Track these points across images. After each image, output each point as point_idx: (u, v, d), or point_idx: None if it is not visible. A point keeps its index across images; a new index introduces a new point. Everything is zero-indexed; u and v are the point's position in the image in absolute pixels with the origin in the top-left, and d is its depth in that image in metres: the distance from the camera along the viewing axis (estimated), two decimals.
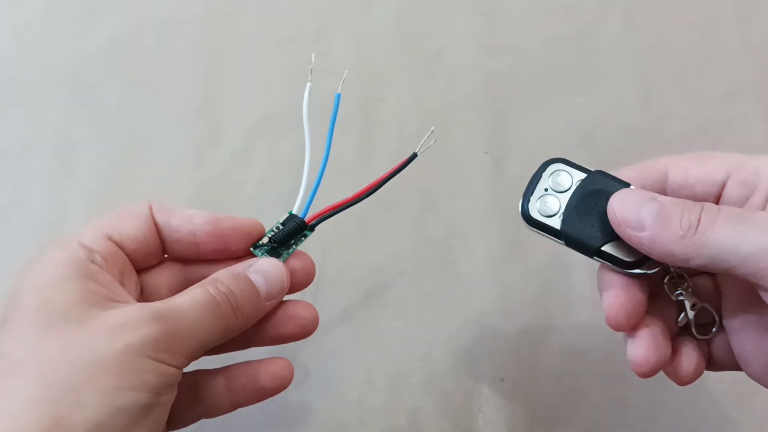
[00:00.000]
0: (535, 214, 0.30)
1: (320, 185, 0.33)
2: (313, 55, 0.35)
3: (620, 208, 0.28)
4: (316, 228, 0.33)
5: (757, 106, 0.48)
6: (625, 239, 0.28)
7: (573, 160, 0.31)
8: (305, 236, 0.33)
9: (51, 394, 0.24)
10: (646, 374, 0.29)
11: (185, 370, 0.30)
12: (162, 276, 0.32)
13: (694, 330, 0.30)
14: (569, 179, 0.30)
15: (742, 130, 0.47)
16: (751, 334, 0.29)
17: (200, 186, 0.47)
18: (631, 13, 0.52)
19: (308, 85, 0.34)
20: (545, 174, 0.31)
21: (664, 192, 0.30)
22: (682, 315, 0.30)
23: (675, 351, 0.30)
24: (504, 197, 0.46)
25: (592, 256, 0.29)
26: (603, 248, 0.29)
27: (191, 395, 0.32)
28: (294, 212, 0.32)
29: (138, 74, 0.51)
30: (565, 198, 0.30)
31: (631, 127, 0.48)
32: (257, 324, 0.31)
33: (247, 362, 0.32)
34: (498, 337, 0.41)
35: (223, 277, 0.30)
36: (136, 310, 0.27)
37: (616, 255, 0.29)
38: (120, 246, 0.30)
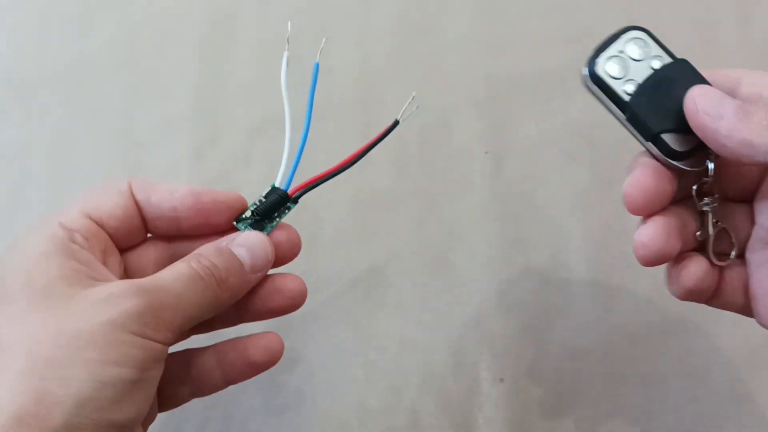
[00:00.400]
0: (602, 72, 0.29)
1: (302, 158, 0.33)
2: (289, 23, 0.35)
3: (701, 96, 0.27)
4: (300, 200, 0.33)
5: None
6: (699, 130, 0.27)
7: (657, 36, 0.30)
8: (289, 209, 0.33)
9: (34, 370, 0.24)
10: (648, 258, 0.29)
11: (177, 347, 0.31)
12: (146, 255, 0.32)
13: (710, 249, 0.30)
14: (648, 51, 0.29)
15: None
16: None
17: (200, 186, 0.47)
18: (631, 13, 0.52)
19: (285, 54, 0.34)
20: (624, 37, 0.29)
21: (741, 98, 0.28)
22: (703, 229, 0.29)
23: (685, 257, 0.30)
24: (504, 197, 0.46)
25: (647, 140, 0.29)
26: (662, 135, 0.28)
27: (183, 373, 0.31)
28: (276, 185, 0.32)
29: (137, 74, 0.51)
30: (638, 69, 0.29)
31: None
32: (246, 298, 0.31)
33: (237, 338, 0.32)
34: (498, 337, 0.41)
35: (206, 251, 0.29)
36: (118, 285, 0.27)
37: (668, 143, 0.28)
38: (100, 224, 0.30)
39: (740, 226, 0.31)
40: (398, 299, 0.43)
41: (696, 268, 0.29)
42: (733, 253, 0.30)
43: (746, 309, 0.30)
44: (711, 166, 0.28)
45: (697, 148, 0.28)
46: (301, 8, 0.53)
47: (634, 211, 0.29)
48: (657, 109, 0.28)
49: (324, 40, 0.35)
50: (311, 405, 0.40)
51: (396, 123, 0.34)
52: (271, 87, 0.51)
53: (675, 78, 0.28)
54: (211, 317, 0.30)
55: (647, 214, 0.29)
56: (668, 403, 0.39)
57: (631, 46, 0.29)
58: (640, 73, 0.29)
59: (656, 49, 0.29)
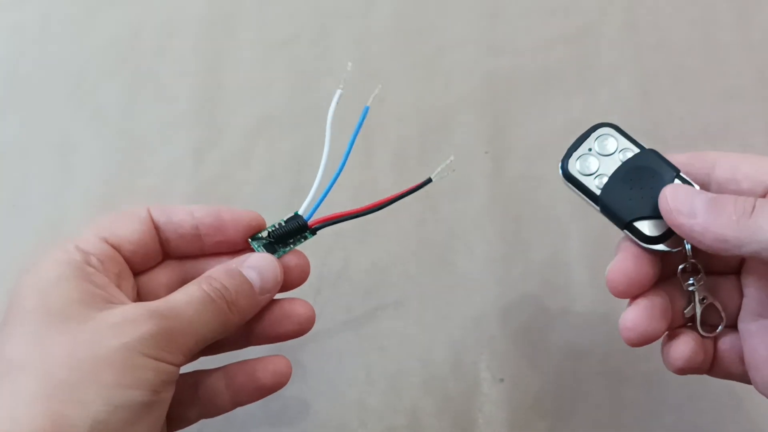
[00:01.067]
0: (574, 171, 0.31)
1: (329, 191, 0.33)
2: (349, 63, 0.36)
3: (673, 196, 0.28)
4: (318, 233, 0.33)
5: (757, 106, 0.48)
6: (675, 228, 0.28)
7: (624, 130, 0.31)
8: (305, 238, 0.33)
9: (51, 392, 0.25)
10: (633, 340, 0.30)
11: (186, 369, 0.31)
12: (159, 277, 0.32)
13: (698, 323, 0.31)
14: (615, 145, 0.31)
15: (742, 130, 0.47)
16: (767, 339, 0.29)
17: (200, 186, 0.47)
18: (631, 13, 0.52)
19: (338, 92, 0.35)
20: (593, 135, 0.31)
21: (708, 184, 0.30)
22: (690, 306, 0.31)
23: (674, 336, 0.31)
24: (504, 197, 0.46)
25: (622, 228, 0.30)
26: (634, 223, 0.30)
27: (192, 394, 0.32)
28: (300, 213, 0.33)
29: (138, 74, 0.51)
30: (607, 163, 0.31)
31: (631, 127, 0.47)
32: (254, 322, 0.32)
33: (246, 361, 0.32)
34: (498, 337, 0.41)
35: (216, 273, 0.30)
36: (133, 308, 0.27)
37: (641, 230, 0.30)
38: (117, 248, 0.30)
39: (729, 298, 0.31)
40: (398, 299, 0.43)
41: (684, 347, 0.30)
42: (720, 327, 0.31)
43: (746, 377, 0.31)
44: (688, 246, 0.29)
45: (672, 230, 0.29)
46: (301, 8, 0.53)
47: (618, 295, 0.30)
48: (627, 199, 0.30)
49: (379, 87, 0.36)
50: (311, 405, 0.40)
51: (429, 180, 0.35)
52: (271, 87, 0.51)
53: (643, 167, 0.30)
54: (220, 339, 0.30)
55: (631, 297, 0.30)
56: (668, 403, 0.39)
57: (600, 142, 0.31)
58: (610, 167, 0.30)
59: (624, 142, 0.31)
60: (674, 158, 0.31)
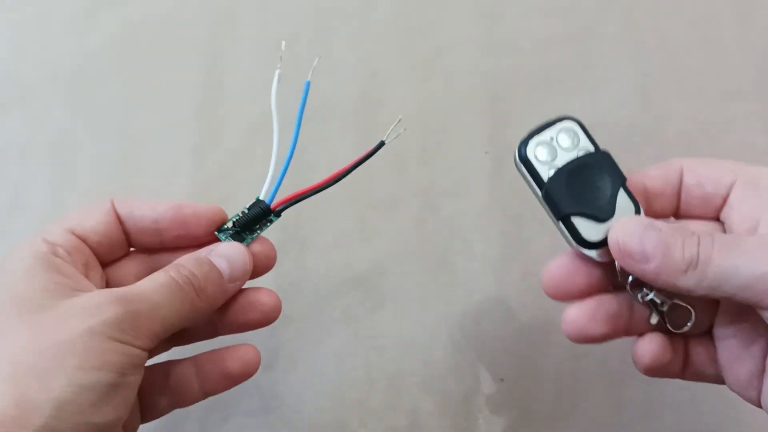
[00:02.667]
0: (531, 155, 0.31)
1: (288, 172, 0.33)
2: (283, 42, 0.36)
3: (624, 240, 0.28)
4: (283, 214, 0.34)
5: (757, 106, 0.48)
6: (629, 270, 0.28)
7: (587, 128, 0.32)
8: (270, 222, 0.33)
9: (16, 376, 0.25)
10: (569, 335, 0.30)
11: (156, 360, 0.32)
12: (127, 268, 0.33)
13: (668, 324, 0.31)
14: (576, 141, 0.31)
15: (742, 130, 0.47)
16: (742, 339, 0.30)
17: (200, 186, 0.47)
18: (631, 13, 0.52)
19: (277, 71, 0.35)
20: (557, 126, 0.31)
21: (679, 188, 0.31)
22: (652, 314, 0.31)
23: (642, 336, 0.31)
24: (504, 197, 0.46)
25: (557, 219, 0.30)
26: (571, 218, 0.30)
27: (162, 383, 0.32)
28: (261, 198, 0.33)
29: (138, 74, 0.51)
30: (563, 156, 0.31)
31: (631, 127, 0.48)
32: (221, 312, 0.32)
33: (215, 350, 0.33)
34: (498, 337, 0.41)
35: (185, 261, 0.30)
36: (98, 294, 0.28)
37: (577, 228, 0.30)
38: (83, 239, 0.31)
39: (705, 302, 0.31)
40: (398, 299, 0.43)
41: (650, 345, 0.30)
42: (690, 323, 0.31)
43: (719, 378, 0.31)
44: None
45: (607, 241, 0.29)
46: (301, 8, 0.53)
47: (550, 297, 0.31)
48: (571, 194, 0.30)
49: (317, 59, 0.35)
50: (311, 405, 0.40)
51: (382, 144, 0.35)
52: (271, 87, 0.51)
53: (594, 168, 0.30)
54: (188, 327, 0.31)
55: (566, 299, 0.30)
56: (668, 403, 0.39)
57: (562, 135, 0.31)
58: (565, 160, 0.30)
59: (585, 141, 0.31)
60: (647, 172, 0.31)
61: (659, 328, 0.31)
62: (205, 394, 0.33)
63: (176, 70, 0.51)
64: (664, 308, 0.30)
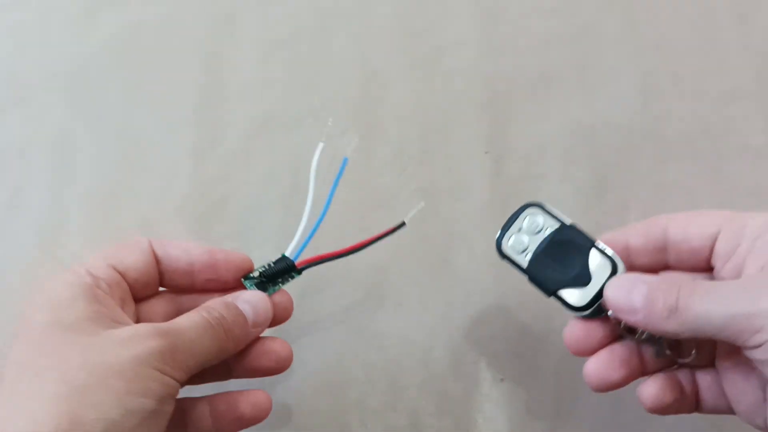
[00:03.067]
0: (506, 249, 0.34)
1: (314, 234, 0.36)
2: (330, 119, 0.39)
3: (614, 297, 0.31)
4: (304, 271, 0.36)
5: (757, 106, 0.48)
6: (624, 321, 0.31)
7: (550, 208, 0.35)
8: (292, 277, 0.36)
9: (68, 394, 0.27)
10: (593, 386, 0.33)
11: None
12: (156, 306, 0.35)
13: (672, 356, 0.33)
14: (542, 223, 0.34)
15: (742, 130, 0.47)
16: (741, 373, 0.31)
17: (200, 186, 0.47)
18: (631, 13, 0.52)
19: (321, 144, 0.37)
20: (522, 215, 0.35)
21: (665, 245, 0.33)
22: (656, 349, 0.33)
23: (646, 378, 0.33)
24: (504, 197, 0.46)
25: (548, 296, 0.33)
26: (558, 292, 0.33)
27: (178, 419, 0.33)
28: (287, 255, 0.36)
29: (138, 74, 0.51)
30: (535, 239, 0.34)
31: (631, 127, 0.48)
32: (238, 356, 0.34)
33: (229, 392, 0.35)
34: (498, 337, 0.41)
35: (215, 304, 0.33)
36: (142, 327, 0.30)
37: (567, 300, 0.33)
38: (122, 275, 0.33)
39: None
40: (398, 299, 0.43)
41: (650, 388, 0.32)
42: (692, 356, 0.33)
43: (732, 410, 0.33)
44: (610, 312, 0.32)
45: (596, 299, 0.32)
46: (301, 8, 0.53)
47: (576, 355, 0.33)
48: (551, 271, 0.33)
49: (357, 139, 0.39)
50: (311, 405, 0.40)
51: (402, 224, 0.38)
52: (271, 87, 0.51)
53: (563, 241, 0.33)
54: (207, 367, 0.32)
55: (589, 354, 0.33)
56: None
57: (528, 221, 0.34)
58: (537, 243, 0.34)
59: (549, 220, 0.34)
60: (629, 230, 0.34)
61: (668, 363, 0.33)
62: None
63: (176, 70, 0.51)
64: (662, 344, 0.33)
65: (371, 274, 0.44)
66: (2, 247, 0.45)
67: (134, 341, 0.29)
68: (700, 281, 0.31)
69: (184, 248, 0.35)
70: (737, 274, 0.31)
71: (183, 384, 0.30)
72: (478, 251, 0.44)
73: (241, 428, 0.35)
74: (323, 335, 0.42)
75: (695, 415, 0.38)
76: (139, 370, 0.28)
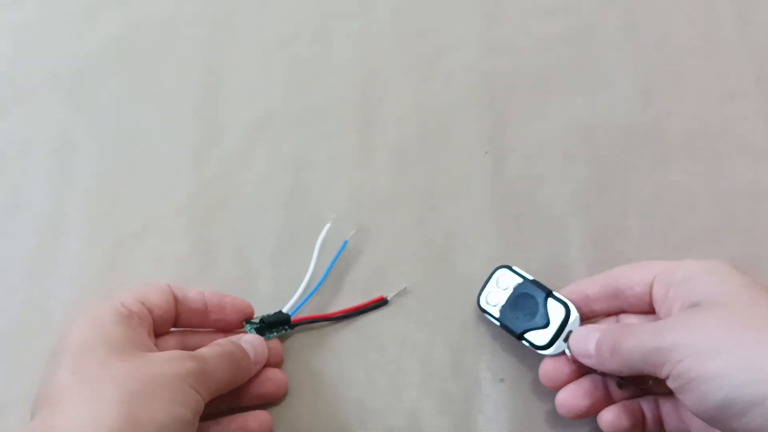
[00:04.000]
0: (484, 304, 0.41)
1: (310, 298, 0.42)
2: (333, 214, 0.44)
3: (574, 346, 0.37)
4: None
5: (757, 106, 0.48)
6: (582, 363, 0.37)
7: (516, 269, 0.41)
8: (286, 329, 0.41)
9: (125, 398, 0.31)
10: (563, 413, 0.38)
11: None
12: (167, 343, 0.39)
13: (632, 386, 0.38)
14: (511, 281, 0.41)
15: (742, 130, 0.47)
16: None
17: (200, 186, 0.47)
18: (631, 13, 0.52)
19: (327, 225, 0.43)
20: (495, 275, 0.41)
21: (616, 293, 0.38)
22: (617, 381, 0.38)
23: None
24: (504, 197, 0.46)
25: (518, 339, 0.39)
26: (524, 335, 0.39)
27: None
28: (284, 311, 0.41)
29: (138, 74, 0.51)
30: (504, 294, 0.41)
31: (631, 127, 0.48)
32: (245, 384, 0.39)
33: (236, 414, 0.39)
34: (498, 337, 0.41)
35: (224, 341, 0.38)
36: (177, 352, 0.35)
37: (532, 341, 0.39)
38: (150, 311, 0.37)
39: None
40: (398, 299, 0.43)
41: (606, 415, 0.37)
42: (650, 382, 0.38)
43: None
44: (567, 351, 0.38)
45: (555, 338, 0.38)
46: (301, 8, 0.53)
47: (549, 388, 0.39)
48: (516, 318, 0.40)
49: (353, 232, 0.44)
50: (311, 405, 0.40)
51: (385, 301, 0.43)
52: (271, 86, 0.51)
53: (524, 294, 0.40)
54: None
55: (560, 387, 0.38)
56: None
57: (499, 280, 0.41)
58: (506, 297, 0.41)
59: (516, 278, 0.41)
60: (591, 279, 0.39)
61: (635, 392, 0.38)
62: None
63: (176, 70, 0.51)
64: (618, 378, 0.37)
65: (371, 274, 0.44)
66: (2, 247, 0.45)
67: (174, 361, 0.34)
68: (634, 324, 0.36)
69: (199, 292, 0.40)
70: (669, 316, 0.35)
71: (207, 401, 0.35)
72: (478, 251, 0.44)
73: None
74: (323, 335, 0.42)
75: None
76: (179, 385, 0.33)
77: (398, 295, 0.43)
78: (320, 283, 0.42)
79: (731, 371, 0.30)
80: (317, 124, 0.49)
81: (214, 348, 0.37)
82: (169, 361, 0.34)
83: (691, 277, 0.35)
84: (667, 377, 0.32)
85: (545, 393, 0.40)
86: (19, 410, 0.40)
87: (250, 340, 0.39)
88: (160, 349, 0.37)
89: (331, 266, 0.43)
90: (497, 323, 0.40)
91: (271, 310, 0.41)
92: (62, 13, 0.54)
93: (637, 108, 0.48)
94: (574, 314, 0.39)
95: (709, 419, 0.31)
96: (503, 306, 0.40)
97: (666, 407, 0.37)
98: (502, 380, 0.40)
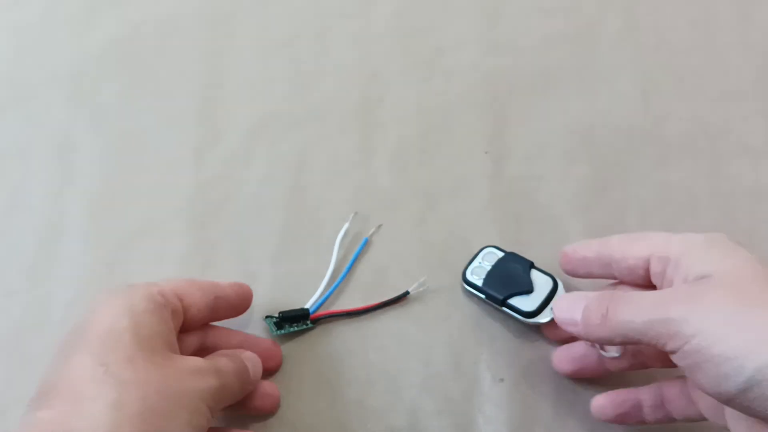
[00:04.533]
0: (470, 277, 0.42)
1: (330, 295, 0.43)
2: (353, 214, 0.45)
3: (559, 314, 0.36)
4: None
5: (757, 106, 0.48)
6: (569, 332, 0.36)
7: (502, 248, 0.42)
8: (306, 326, 0.41)
9: (148, 415, 0.29)
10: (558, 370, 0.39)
11: None
12: (188, 340, 0.37)
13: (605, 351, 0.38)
14: (495, 257, 0.42)
15: (742, 130, 0.47)
16: None
17: (200, 186, 0.47)
18: (631, 13, 0.52)
19: (346, 225, 0.44)
20: (482, 253, 0.42)
21: (612, 261, 0.37)
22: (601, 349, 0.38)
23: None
24: (504, 197, 0.46)
25: (501, 306, 0.40)
26: (507, 300, 0.40)
27: None
28: (306, 307, 0.41)
29: (138, 74, 0.51)
30: (488, 266, 0.42)
31: (631, 127, 0.48)
32: (244, 398, 0.38)
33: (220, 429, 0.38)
34: (498, 337, 0.41)
35: (233, 355, 0.36)
36: (203, 362, 0.33)
37: (517, 306, 0.40)
38: (186, 309, 0.35)
39: None
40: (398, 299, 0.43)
41: (599, 399, 0.37)
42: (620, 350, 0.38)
43: (695, 416, 0.36)
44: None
45: (542, 306, 0.39)
46: (301, 8, 0.53)
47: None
48: (501, 285, 0.41)
49: (380, 225, 0.45)
50: (311, 405, 0.40)
51: (407, 293, 0.42)
52: (271, 86, 0.51)
53: (508, 263, 0.41)
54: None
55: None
56: None
57: (485, 257, 0.42)
58: (489, 268, 0.42)
59: (500, 254, 0.42)
60: (590, 242, 0.38)
61: (634, 364, 0.38)
62: None
63: (176, 70, 0.51)
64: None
65: (371, 274, 0.44)
66: (2, 247, 0.45)
67: (200, 376, 0.32)
68: (632, 292, 0.34)
69: (231, 285, 0.38)
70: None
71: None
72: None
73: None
74: (323, 335, 0.42)
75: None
76: (198, 405, 0.31)
77: (398, 292, 0.43)
78: (341, 279, 0.43)
79: (756, 350, 0.28)
80: (317, 124, 0.49)
81: (228, 362, 0.35)
82: (195, 375, 0.32)
83: (693, 249, 0.33)
84: (674, 352, 0.30)
85: (545, 393, 0.40)
86: (19, 410, 0.40)
87: (250, 357, 0.37)
88: (181, 345, 0.36)
89: (351, 263, 0.43)
90: (481, 295, 0.41)
91: (271, 310, 0.41)
92: (62, 13, 0.54)
93: (637, 108, 0.48)
94: (561, 287, 0.40)
95: (729, 401, 0.29)
96: (486, 275, 0.41)
97: (671, 391, 0.36)
98: (502, 380, 0.40)
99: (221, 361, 0.35)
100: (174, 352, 0.33)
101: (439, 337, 0.42)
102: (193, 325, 0.37)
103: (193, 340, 0.37)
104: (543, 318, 0.39)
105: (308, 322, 0.41)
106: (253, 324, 0.42)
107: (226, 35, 0.52)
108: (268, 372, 0.40)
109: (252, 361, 0.37)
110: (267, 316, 0.41)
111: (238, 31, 0.52)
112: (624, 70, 0.50)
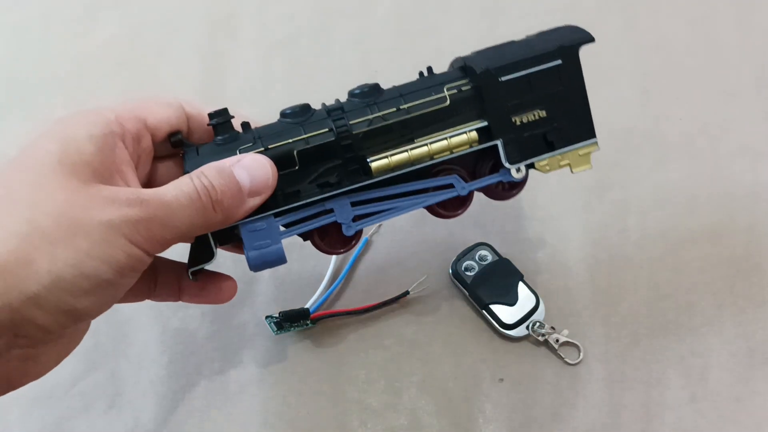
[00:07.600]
0: (460, 270, 0.42)
1: (331, 294, 0.43)
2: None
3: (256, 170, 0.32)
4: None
5: (757, 106, 0.48)
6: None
7: (496, 248, 0.43)
8: (306, 324, 0.41)
9: (28, 235, 0.26)
10: None
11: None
12: (172, 169, 0.34)
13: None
14: (488, 257, 0.43)
15: (742, 130, 0.47)
16: None
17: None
18: (631, 13, 0.52)
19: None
20: (475, 249, 0.43)
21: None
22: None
23: None
24: None
25: (482, 309, 0.41)
26: (490, 306, 0.41)
27: (149, 271, 0.34)
28: (306, 307, 0.41)
29: (138, 74, 0.51)
30: (479, 266, 0.42)
31: (631, 127, 0.48)
32: (188, 283, 0.35)
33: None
34: (498, 337, 0.42)
35: (208, 170, 0.31)
36: (126, 191, 0.29)
37: (497, 315, 0.41)
38: (152, 133, 0.32)
39: None
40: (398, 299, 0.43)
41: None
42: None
43: None
44: (520, 333, 0.41)
45: (521, 322, 0.40)
46: (301, 8, 0.53)
47: None
48: (487, 289, 0.42)
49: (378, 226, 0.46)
50: (311, 405, 0.40)
51: (407, 293, 0.42)
52: (271, 86, 0.51)
53: (498, 270, 0.42)
54: (158, 284, 0.34)
55: None
56: (668, 404, 0.39)
57: (479, 253, 0.43)
58: (480, 268, 0.43)
59: (493, 256, 0.43)
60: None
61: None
62: (178, 298, 0.36)
63: (176, 70, 0.51)
64: None
65: (371, 274, 0.44)
66: None
67: (112, 205, 0.28)
68: None
69: (201, 105, 0.34)
70: None
71: (158, 253, 0.30)
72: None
73: (200, 302, 0.36)
74: (323, 335, 0.42)
75: (695, 415, 0.38)
76: (107, 235, 0.27)
77: (398, 292, 0.43)
78: (341, 279, 0.43)
79: None
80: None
81: (182, 185, 0.30)
82: (107, 204, 0.28)
83: None
84: None
85: (545, 393, 0.40)
86: (19, 410, 0.40)
87: (247, 165, 0.32)
88: (160, 175, 0.33)
89: (351, 263, 0.43)
90: (466, 291, 0.42)
91: (272, 310, 0.41)
92: (62, 13, 0.54)
93: (637, 108, 0.48)
94: (542, 308, 0.41)
95: None
96: (476, 275, 0.42)
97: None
98: (501, 380, 0.40)
99: (168, 186, 0.30)
100: (113, 180, 0.29)
101: (438, 337, 0.42)
102: (171, 148, 0.33)
103: (175, 169, 0.34)
104: (517, 333, 0.40)
105: (309, 321, 0.41)
106: (253, 324, 0.42)
107: (227, 35, 0.52)
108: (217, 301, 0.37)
109: (250, 170, 0.32)
110: (268, 316, 0.41)
111: (238, 31, 0.52)
112: (624, 70, 0.50)
